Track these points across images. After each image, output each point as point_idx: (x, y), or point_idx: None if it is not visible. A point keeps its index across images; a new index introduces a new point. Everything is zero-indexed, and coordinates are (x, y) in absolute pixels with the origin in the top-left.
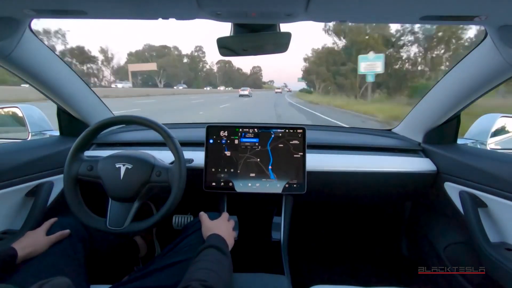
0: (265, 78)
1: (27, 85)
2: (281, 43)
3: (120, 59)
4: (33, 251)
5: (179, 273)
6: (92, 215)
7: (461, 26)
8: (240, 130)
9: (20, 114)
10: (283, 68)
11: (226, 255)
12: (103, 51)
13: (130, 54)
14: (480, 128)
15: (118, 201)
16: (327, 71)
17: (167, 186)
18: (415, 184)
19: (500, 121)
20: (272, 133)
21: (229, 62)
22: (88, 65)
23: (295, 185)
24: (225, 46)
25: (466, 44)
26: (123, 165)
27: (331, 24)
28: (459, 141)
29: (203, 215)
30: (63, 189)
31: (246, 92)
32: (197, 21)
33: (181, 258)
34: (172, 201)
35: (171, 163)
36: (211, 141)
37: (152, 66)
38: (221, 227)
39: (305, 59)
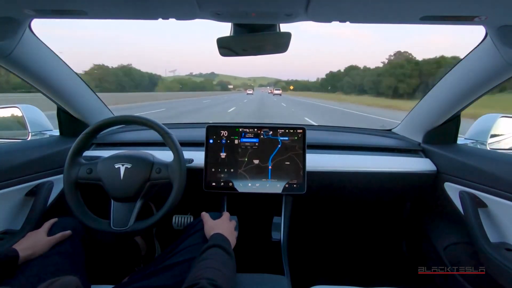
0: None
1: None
2: (281, 43)
3: None
4: (34, 252)
5: (181, 273)
6: (94, 217)
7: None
8: (240, 130)
9: (20, 114)
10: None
11: (231, 255)
12: None
13: None
14: (480, 128)
15: (120, 201)
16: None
17: (168, 183)
18: (415, 184)
19: (500, 121)
20: (272, 132)
21: None
22: None
23: (295, 185)
24: (225, 46)
25: None
26: (122, 165)
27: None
28: (459, 141)
29: (205, 215)
30: (64, 193)
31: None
32: (197, 21)
33: (183, 259)
34: (174, 197)
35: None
36: (211, 141)
37: None
38: (224, 226)
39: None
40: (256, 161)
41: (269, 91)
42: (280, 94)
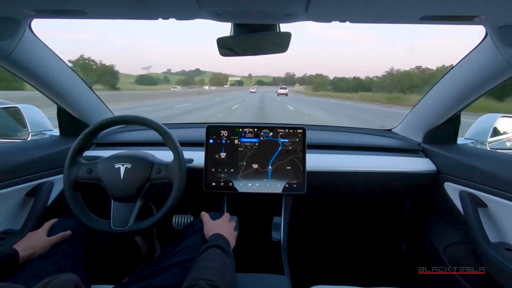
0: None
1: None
2: (281, 43)
3: None
4: (34, 252)
5: (181, 273)
6: (95, 217)
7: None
8: (240, 130)
9: (20, 114)
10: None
11: (230, 255)
12: None
13: None
14: (480, 128)
15: (120, 201)
16: None
17: (168, 183)
18: (415, 184)
19: (500, 121)
20: (272, 132)
21: None
22: None
23: (295, 185)
24: (225, 46)
25: None
26: (122, 165)
27: None
28: (459, 141)
29: (205, 215)
30: (64, 193)
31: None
32: (197, 21)
33: (183, 259)
34: (174, 197)
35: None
36: (211, 141)
37: None
38: (223, 227)
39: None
40: (255, 166)
41: (277, 90)
42: (286, 94)
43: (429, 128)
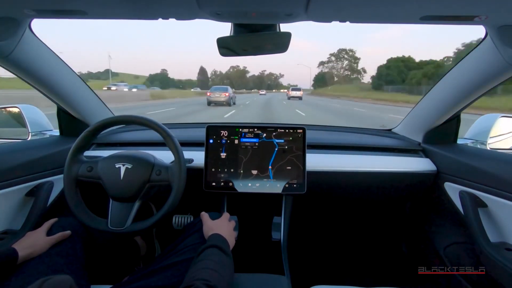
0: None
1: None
2: (280, 43)
3: None
4: (34, 252)
5: (180, 273)
6: (93, 216)
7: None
8: (240, 130)
9: (20, 114)
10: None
11: (228, 255)
12: None
13: None
14: (480, 128)
15: (118, 201)
16: None
17: (167, 185)
18: (415, 184)
19: (500, 121)
20: (272, 133)
21: None
22: None
23: (295, 185)
24: (225, 46)
25: None
26: (123, 165)
27: None
28: (459, 141)
29: (205, 215)
30: (64, 190)
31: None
32: (197, 21)
33: (182, 258)
34: (172, 200)
35: (172, 162)
36: (211, 141)
37: None
38: (223, 227)
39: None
40: (254, 172)
41: (288, 93)
42: (300, 97)
43: (429, 128)
